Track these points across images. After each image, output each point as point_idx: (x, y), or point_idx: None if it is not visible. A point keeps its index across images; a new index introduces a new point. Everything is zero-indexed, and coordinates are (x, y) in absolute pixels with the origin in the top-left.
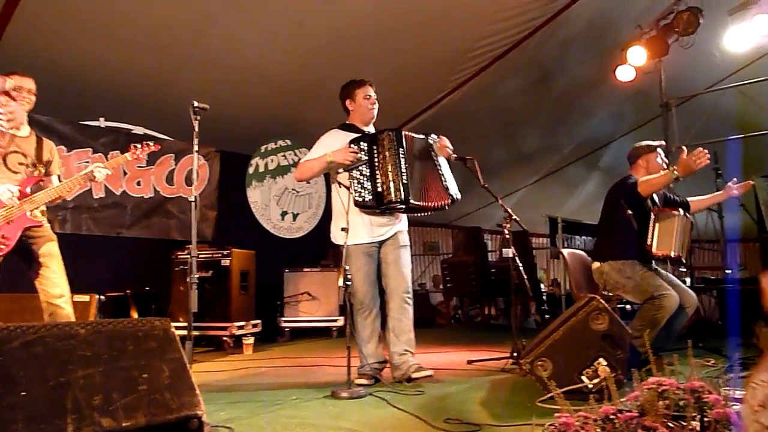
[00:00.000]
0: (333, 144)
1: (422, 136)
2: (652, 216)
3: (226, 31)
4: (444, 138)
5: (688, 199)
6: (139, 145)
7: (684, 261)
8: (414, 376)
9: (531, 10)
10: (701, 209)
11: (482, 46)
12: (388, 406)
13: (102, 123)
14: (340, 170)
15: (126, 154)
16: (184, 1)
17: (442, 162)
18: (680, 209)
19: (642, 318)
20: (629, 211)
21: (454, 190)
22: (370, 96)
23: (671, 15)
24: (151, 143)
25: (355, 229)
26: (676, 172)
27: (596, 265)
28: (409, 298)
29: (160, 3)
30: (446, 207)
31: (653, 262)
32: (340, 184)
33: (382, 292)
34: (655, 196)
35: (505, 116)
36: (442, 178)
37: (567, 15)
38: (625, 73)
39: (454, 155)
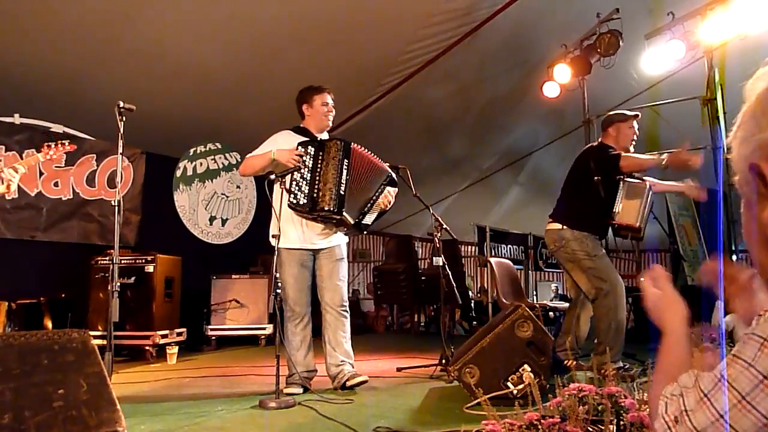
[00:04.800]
0: (283, 144)
1: (386, 166)
2: (621, 185)
3: (151, 25)
4: (393, 193)
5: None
6: (53, 145)
7: (642, 235)
8: (349, 384)
9: (458, 17)
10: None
11: (412, 50)
12: (318, 416)
13: (16, 119)
14: (274, 175)
15: (38, 155)
16: None
17: (380, 195)
18: (646, 181)
19: (605, 320)
20: (597, 177)
21: (368, 220)
22: (327, 103)
23: (594, 36)
24: (66, 143)
25: (288, 234)
26: (665, 161)
27: (556, 226)
28: (344, 310)
29: None
30: (349, 228)
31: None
32: (281, 185)
33: (315, 301)
34: None
35: (432, 123)
36: (368, 204)
37: (488, 28)
38: (551, 90)
39: (389, 205)
